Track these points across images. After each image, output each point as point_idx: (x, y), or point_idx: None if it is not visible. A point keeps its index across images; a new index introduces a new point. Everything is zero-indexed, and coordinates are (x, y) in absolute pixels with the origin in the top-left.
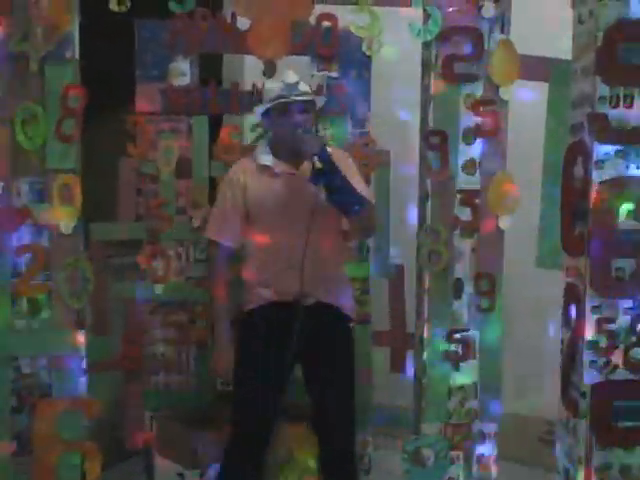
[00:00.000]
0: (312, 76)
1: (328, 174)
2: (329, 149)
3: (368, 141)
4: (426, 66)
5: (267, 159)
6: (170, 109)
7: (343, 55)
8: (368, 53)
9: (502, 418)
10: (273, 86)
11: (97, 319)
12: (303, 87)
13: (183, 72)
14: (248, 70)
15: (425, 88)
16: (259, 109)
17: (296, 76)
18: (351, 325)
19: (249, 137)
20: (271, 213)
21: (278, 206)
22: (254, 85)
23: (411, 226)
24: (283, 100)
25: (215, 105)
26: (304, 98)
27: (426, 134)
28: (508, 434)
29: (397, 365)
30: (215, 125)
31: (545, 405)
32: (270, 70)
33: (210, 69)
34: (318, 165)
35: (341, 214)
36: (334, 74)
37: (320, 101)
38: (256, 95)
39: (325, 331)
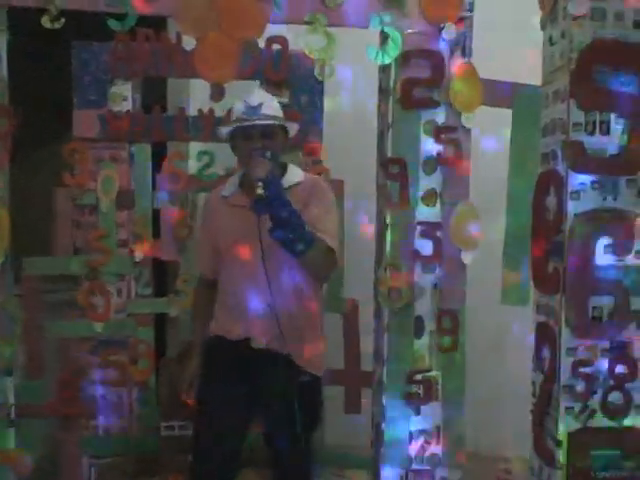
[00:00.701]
0: None
1: (272, 204)
2: (300, 178)
3: (321, 170)
4: (384, 91)
5: (229, 189)
6: (110, 136)
7: (294, 80)
8: (320, 78)
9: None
10: (239, 107)
11: (30, 361)
12: (268, 109)
13: (124, 97)
14: (195, 94)
15: (383, 114)
16: (224, 130)
17: (263, 96)
18: (305, 379)
19: (195, 166)
20: (229, 247)
21: (234, 240)
22: (200, 110)
23: (366, 259)
24: (242, 124)
25: (159, 131)
26: (265, 122)
27: (384, 162)
28: (466, 474)
29: (352, 405)
30: (159, 153)
31: (503, 442)
32: (218, 94)
33: (154, 93)
34: (259, 192)
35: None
36: (285, 100)
37: (293, 127)
38: (211, 118)
39: (275, 379)
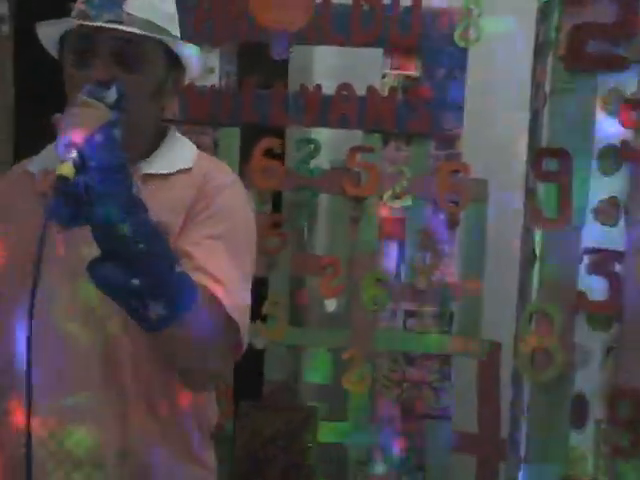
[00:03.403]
0: (383, 76)
1: (92, 202)
2: (187, 160)
3: (459, 167)
4: (541, 46)
5: (41, 160)
6: (192, 117)
7: (427, 47)
8: (462, 44)
9: None
10: None
11: None
12: (136, 7)
13: (210, 68)
14: (319, 67)
15: (538, 82)
16: (46, 33)
17: None
18: None
19: (293, 157)
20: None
21: (7, 261)
22: (302, 85)
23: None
24: (81, 22)
25: (249, 113)
26: (126, 28)
27: (536, 156)
28: None
29: None
30: (251, 140)
31: None
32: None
33: (262, 66)
34: (63, 171)
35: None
36: (414, 73)
37: (190, 55)
38: None
39: None
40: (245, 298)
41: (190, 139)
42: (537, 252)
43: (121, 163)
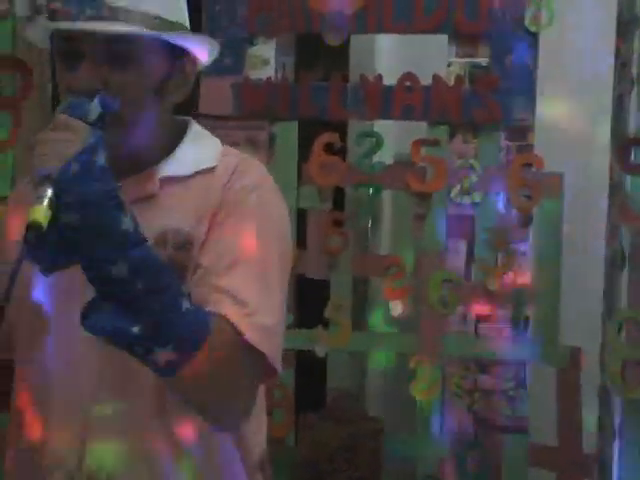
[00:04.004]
0: (449, 64)
1: (83, 245)
2: (211, 159)
3: (531, 160)
4: (626, 24)
5: None
6: (247, 111)
7: (496, 32)
8: (534, 28)
9: None
10: None
11: None
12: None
13: (265, 60)
14: (381, 57)
15: (623, 64)
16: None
17: None
18: None
19: (354, 152)
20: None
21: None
22: (362, 76)
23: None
24: (58, 25)
25: (307, 106)
26: (109, 30)
27: (622, 146)
28: None
29: None
30: (310, 135)
31: None
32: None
33: (320, 57)
34: (36, 223)
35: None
36: (481, 60)
37: (202, 46)
38: None
39: None
40: (274, 316)
41: (245, 135)
42: (626, 253)
43: (106, 193)
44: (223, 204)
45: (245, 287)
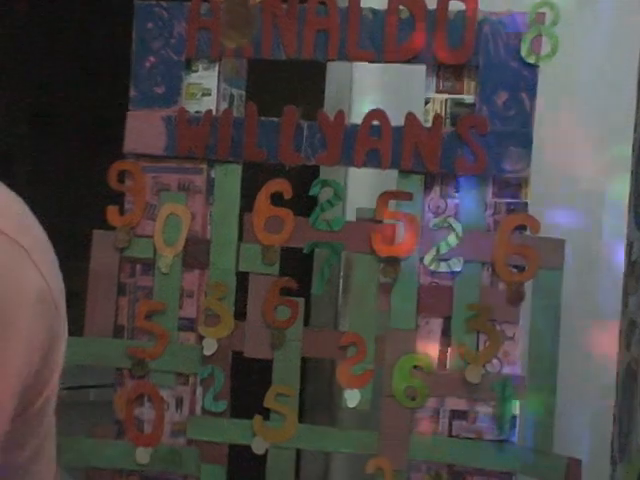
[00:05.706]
0: (427, 101)
1: None
2: None
3: (525, 222)
4: None
5: None
6: (182, 151)
7: (485, 64)
8: (531, 60)
9: None
10: None
11: None
12: None
13: (205, 90)
14: (361, 89)
15: None
16: None
17: None
18: None
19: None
20: None
21: None
22: (341, 114)
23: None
24: None
25: (253, 147)
26: None
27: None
28: None
29: None
30: (253, 180)
31: None
32: None
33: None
34: None
35: None
36: (467, 97)
37: None
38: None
39: None
40: None
41: (178, 179)
42: None
43: None
44: None
45: None
